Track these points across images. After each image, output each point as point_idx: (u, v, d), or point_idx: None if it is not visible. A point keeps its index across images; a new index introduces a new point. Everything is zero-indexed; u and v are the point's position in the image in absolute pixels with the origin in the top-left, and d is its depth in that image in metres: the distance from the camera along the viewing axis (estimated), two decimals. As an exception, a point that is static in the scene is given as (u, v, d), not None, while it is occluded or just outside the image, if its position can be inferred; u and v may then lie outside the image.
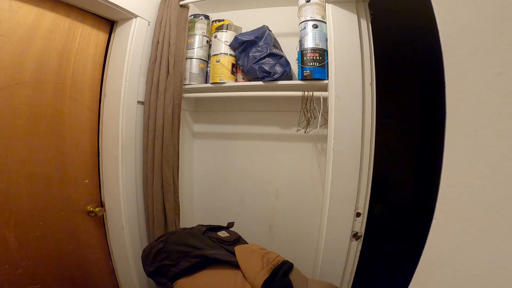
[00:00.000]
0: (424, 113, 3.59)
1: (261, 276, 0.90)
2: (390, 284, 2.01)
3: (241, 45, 1.38)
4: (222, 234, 1.14)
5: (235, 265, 0.95)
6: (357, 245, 1.24)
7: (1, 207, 0.97)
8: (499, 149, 0.35)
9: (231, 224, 1.27)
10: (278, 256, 1.03)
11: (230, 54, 1.43)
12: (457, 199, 0.40)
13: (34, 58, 1.06)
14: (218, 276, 0.94)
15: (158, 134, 1.34)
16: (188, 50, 1.47)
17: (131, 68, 1.31)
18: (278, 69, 1.31)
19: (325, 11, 1.23)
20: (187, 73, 1.47)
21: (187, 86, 1.47)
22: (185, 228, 1.16)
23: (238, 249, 1.01)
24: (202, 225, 1.17)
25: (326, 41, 1.23)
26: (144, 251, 1.09)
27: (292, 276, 0.99)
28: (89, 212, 1.28)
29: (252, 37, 1.35)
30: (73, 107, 1.21)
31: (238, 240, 1.16)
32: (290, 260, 1.41)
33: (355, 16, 1.18)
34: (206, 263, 0.97)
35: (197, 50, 1.48)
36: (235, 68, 1.45)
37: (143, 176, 1.41)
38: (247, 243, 1.17)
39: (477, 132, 0.37)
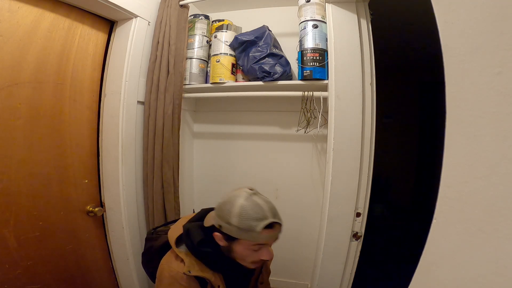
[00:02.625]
0: (424, 113, 3.59)
1: (174, 234, 0.88)
2: (390, 284, 2.01)
3: (241, 45, 1.38)
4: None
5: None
6: (357, 245, 1.24)
7: (1, 207, 0.97)
8: (499, 149, 0.35)
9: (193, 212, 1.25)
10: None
11: (230, 54, 1.43)
12: (457, 199, 0.40)
13: (33, 58, 1.06)
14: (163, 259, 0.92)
15: (158, 134, 1.34)
16: (188, 50, 1.47)
17: (131, 68, 1.30)
18: (278, 69, 1.31)
19: (325, 11, 1.23)
20: (187, 73, 1.47)
21: (187, 86, 1.47)
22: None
23: (171, 227, 0.98)
24: (152, 228, 1.15)
25: (326, 41, 1.23)
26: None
27: (207, 217, 0.91)
28: (88, 212, 1.28)
29: (252, 37, 1.35)
30: (73, 107, 1.21)
31: None
32: (290, 260, 1.41)
33: (355, 16, 1.18)
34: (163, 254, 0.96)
35: (197, 50, 1.48)
36: (235, 68, 1.45)
37: (143, 176, 1.41)
38: None
39: (477, 132, 0.37)
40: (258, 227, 0.76)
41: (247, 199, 0.80)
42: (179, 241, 0.88)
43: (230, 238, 0.80)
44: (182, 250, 0.86)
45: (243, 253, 0.81)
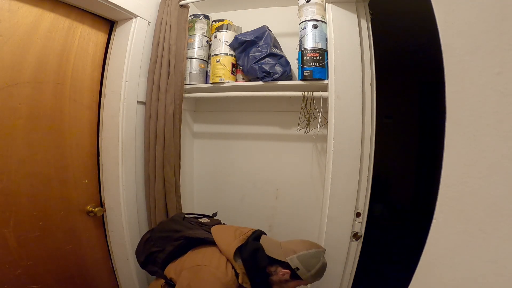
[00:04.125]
0: (424, 113, 3.59)
1: (234, 245, 0.96)
2: (390, 284, 2.01)
3: (241, 45, 1.38)
4: (203, 220, 1.19)
5: (213, 242, 1.00)
6: (357, 245, 1.24)
7: (1, 207, 0.97)
8: (499, 149, 0.35)
9: (214, 214, 1.30)
10: (252, 229, 1.09)
11: (230, 54, 1.43)
12: (457, 199, 0.40)
13: (33, 58, 1.06)
14: (199, 254, 0.99)
15: (159, 134, 1.34)
16: (188, 50, 1.47)
17: (131, 68, 1.30)
18: (278, 69, 1.31)
19: (325, 11, 1.23)
20: (187, 73, 1.47)
21: (187, 86, 1.46)
22: (169, 218, 1.22)
23: (214, 228, 1.07)
24: (182, 212, 1.23)
25: (326, 41, 1.23)
26: (139, 242, 1.16)
27: (263, 240, 1.03)
28: (88, 212, 1.28)
29: (252, 37, 1.35)
30: (73, 107, 1.21)
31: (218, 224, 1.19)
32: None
33: (355, 16, 1.18)
34: (188, 244, 1.02)
35: (197, 50, 1.48)
36: (235, 68, 1.45)
37: (145, 176, 1.41)
38: None
39: (477, 132, 0.37)
40: (321, 278, 1.01)
41: (324, 258, 1.01)
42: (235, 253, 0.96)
43: (296, 277, 0.96)
44: (239, 264, 0.95)
45: (292, 285, 0.99)
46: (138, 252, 1.12)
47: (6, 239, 0.99)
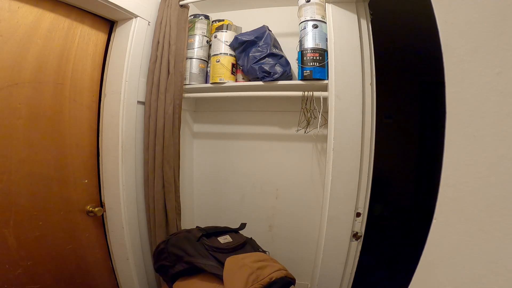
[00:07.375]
0: (424, 113, 3.59)
1: None
2: (390, 284, 2.01)
3: (241, 45, 1.38)
4: (223, 239, 1.08)
5: (221, 278, 0.90)
6: (357, 245, 1.24)
7: (1, 207, 0.97)
8: (499, 149, 0.35)
9: (242, 226, 1.23)
10: (276, 272, 0.92)
11: (230, 54, 1.43)
12: (457, 199, 0.40)
13: (33, 58, 1.06)
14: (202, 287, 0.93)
15: (159, 134, 1.34)
16: (188, 50, 1.47)
17: (131, 68, 1.30)
18: (278, 69, 1.31)
19: (325, 11, 1.23)
20: (187, 73, 1.47)
21: (187, 86, 1.47)
22: (187, 230, 1.13)
23: (228, 261, 0.93)
24: (200, 229, 1.13)
25: (326, 41, 1.23)
26: (156, 247, 1.13)
27: None
28: (88, 212, 1.28)
29: (252, 37, 1.35)
30: (73, 107, 1.21)
31: (242, 245, 1.09)
32: (289, 260, 1.38)
33: (355, 16, 1.18)
34: (196, 270, 0.98)
35: (197, 50, 1.48)
36: (235, 68, 1.45)
37: (144, 176, 1.41)
38: (258, 248, 1.14)
39: (477, 132, 0.37)
40: None
41: None
42: None
43: None
44: None
45: None
46: (154, 258, 1.11)
47: (6, 239, 0.99)
